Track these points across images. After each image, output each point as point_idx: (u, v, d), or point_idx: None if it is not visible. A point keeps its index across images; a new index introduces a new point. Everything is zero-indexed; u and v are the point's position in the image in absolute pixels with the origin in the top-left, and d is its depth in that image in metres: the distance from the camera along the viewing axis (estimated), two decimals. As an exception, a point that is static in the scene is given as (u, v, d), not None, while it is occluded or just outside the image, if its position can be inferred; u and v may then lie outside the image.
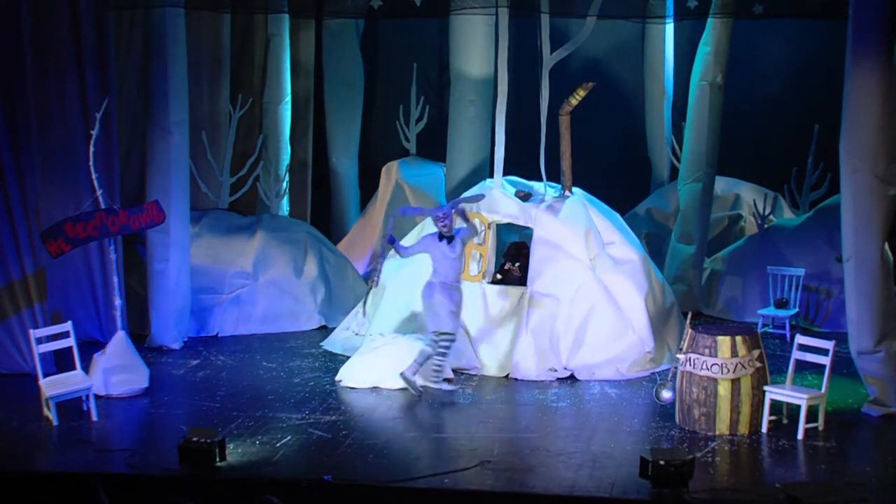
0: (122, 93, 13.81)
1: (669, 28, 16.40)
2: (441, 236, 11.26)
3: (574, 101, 12.65)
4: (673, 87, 16.79)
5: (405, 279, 12.61)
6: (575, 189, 12.92)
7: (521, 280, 12.35)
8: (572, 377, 11.99)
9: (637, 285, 12.33)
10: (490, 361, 12.13)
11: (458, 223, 11.30)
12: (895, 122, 10.07)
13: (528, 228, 12.57)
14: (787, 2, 13.35)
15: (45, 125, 12.27)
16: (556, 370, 11.95)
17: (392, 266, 13.01)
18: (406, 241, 12.13)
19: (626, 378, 11.92)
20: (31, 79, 11.94)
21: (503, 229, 12.98)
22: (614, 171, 17.09)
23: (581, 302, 12.07)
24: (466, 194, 12.44)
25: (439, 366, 11.29)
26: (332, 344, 13.19)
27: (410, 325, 12.40)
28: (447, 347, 11.26)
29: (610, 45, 16.97)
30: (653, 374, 12.05)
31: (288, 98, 15.99)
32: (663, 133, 16.86)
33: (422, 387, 11.28)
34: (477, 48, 14.37)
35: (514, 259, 12.67)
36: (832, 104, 11.03)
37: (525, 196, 12.70)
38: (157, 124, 12.90)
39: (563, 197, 12.74)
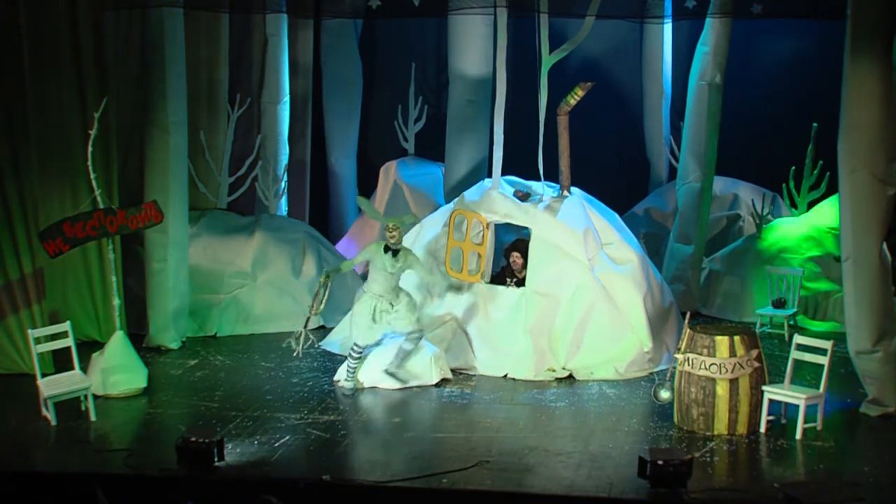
0: (121, 93, 13.78)
1: (668, 28, 16.38)
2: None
3: (572, 101, 12.63)
4: (671, 86, 16.77)
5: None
6: (573, 189, 12.91)
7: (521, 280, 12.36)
8: (571, 377, 11.99)
9: (636, 285, 12.32)
10: (488, 361, 12.12)
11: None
12: (893, 122, 10.07)
13: (526, 228, 12.56)
14: (786, 1, 13.33)
15: (44, 125, 12.25)
16: (554, 370, 11.95)
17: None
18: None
19: (624, 378, 11.91)
20: (30, 79, 11.95)
21: (501, 229, 12.97)
22: (613, 170, 17.07)
23: (580, 302, 12.06)
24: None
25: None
26: (330, 344, 13.18)
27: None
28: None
29: (608, 45, 16.94)
30: (651, 374, 12.06)
31: (286, 98, 15.96)
32: (662, 133, 16.85)
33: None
34: (475, 48, 14.36)
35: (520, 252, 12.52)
36: (830, 104, 11.02)
37: (523, 196, 12.68)
38: (155, 124, 12.89)
39: (561, 197, 12.73)
